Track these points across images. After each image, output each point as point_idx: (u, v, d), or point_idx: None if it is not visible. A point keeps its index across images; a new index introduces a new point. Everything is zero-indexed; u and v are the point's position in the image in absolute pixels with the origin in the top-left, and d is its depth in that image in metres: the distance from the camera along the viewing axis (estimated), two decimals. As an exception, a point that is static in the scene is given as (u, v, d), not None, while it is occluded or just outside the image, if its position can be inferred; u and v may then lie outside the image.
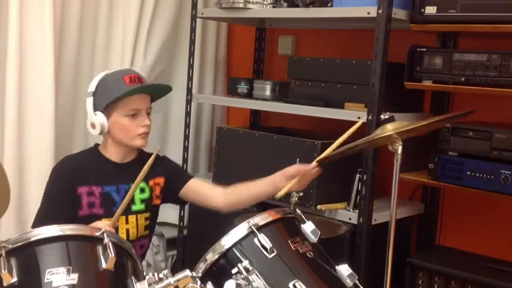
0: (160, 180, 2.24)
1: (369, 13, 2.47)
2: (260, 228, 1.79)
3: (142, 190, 2.19)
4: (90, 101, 2.09)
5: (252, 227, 1.79)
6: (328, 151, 2.11)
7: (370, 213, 2.51)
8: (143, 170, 1.91)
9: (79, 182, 2.09)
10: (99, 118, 2.07)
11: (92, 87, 2.10)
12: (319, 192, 2.57)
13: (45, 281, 1.53)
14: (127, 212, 2.13)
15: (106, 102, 2.06)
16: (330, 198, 2.61)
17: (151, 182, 2.21)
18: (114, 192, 2.13)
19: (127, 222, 2.15)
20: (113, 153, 2.16)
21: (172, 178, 2.27)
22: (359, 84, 2.57)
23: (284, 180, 2.11)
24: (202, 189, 2.30)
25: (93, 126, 2.09)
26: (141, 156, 2.21)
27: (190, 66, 3.14)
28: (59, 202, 2.08)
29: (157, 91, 2.23)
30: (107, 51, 3.09)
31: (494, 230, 2.70)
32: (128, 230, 2.14)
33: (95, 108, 2.08)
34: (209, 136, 3.52)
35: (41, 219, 2.04)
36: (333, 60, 2.71)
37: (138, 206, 2.17)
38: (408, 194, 2.88)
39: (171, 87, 2.27)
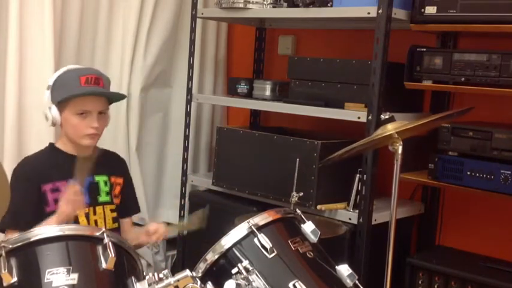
0: (120, 180, 2.31)
1: (369, 13, 2.47)
2: (260, 228, 1.80)
3: (105, 183, 2.24)
4: (47, 94, 2.16)
5: (252, 227, 1.79)
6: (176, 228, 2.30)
7: (370, 213, 2.51)
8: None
9: (42, 180, 2.12)
10: (52, 112, 2.13)
11: (50, 81, 2.17)
12: (319, 192, 2.57)
13: (45, 281, 1.53)
14: (94, 203, 2.19)
15: (57, 99, 2.13)
16: (330, 198, 2.61)
17: (112, 179, 2.27)
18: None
19: (94, 214, 2.19)
20: (70, 147, 2.20)
21: (127, 188, 2.35)
22: (359, 84, 2.57)
23: (147, 236, 2.21)
24: (127, 227, 2.36)
25: (46, 118, 2.16)
26: (97, 150, 2.29)
27: (190, 66, 3.14)
28: (26, 201, 2.09)
29: (111, 96, 2.26)
30: (107, 51, 3.09)
31: (494, 230, 2.70)
32: (96, 222, 2.17)
33: (51, 102, 2.15)
34: (209, 136, 3.52)
35: (10, 221, 2.03)
36: (333, 60, 2.71)
37: (103, 198, 2.22)
38: (408, 194, 2.88)
39: (125, 95, 2.31)
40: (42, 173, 2.13)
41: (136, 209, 2.41)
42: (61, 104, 2.13)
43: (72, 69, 2.20)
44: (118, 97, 2.27)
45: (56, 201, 2.10)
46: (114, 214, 2.24)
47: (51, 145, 2.25)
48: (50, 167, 2.16)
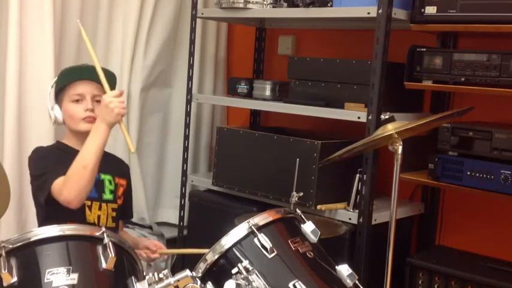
0: (124, 182, 2.32)
1: (369, 13, 2.47)
2: (260, 228, 1.79)
3: (110, 182, 2.26)
4: (50, 92, 2.22)
5: (252, 227, 1.79)
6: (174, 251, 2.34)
7: (370, 213, 2.51)
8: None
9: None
10: (55, 110, 2.19)
11: (53, 80, 2.25)
12: (319, 192, 2.57)
13: (45, 281, 1.53)
14: (99, 199, 2.21)
15: (55, 92, 2.21)
16: (330, 198, 2.61)
17: (116, 179, 2.29)
18: None
19: (100, 209, 2.20)
20: (76, 143, 2.22)
21: (128, 192, 2.37)
22: (359, 84, 2.57)
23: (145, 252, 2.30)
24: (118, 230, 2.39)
25: (49, 116, 2.22)
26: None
27: (190, 66, 3.14)
28: (56, 159, 2.12)
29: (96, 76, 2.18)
30: (107, 51, 3.09)
31: (494, 230, 2.70)
32: (99, 217, 2.19)
33: (53, 100, 2.22)
34: (209, 136, 3.52)
35: (53, 174, 2.02)
36: (333, 60, 2.71)
37: (107, 196, 2.24)
38: (408, 194, 2.88)
39: (114, 74, 2.28)
40: (55, 161, 2.15)
41: (130, 215, 2.45)
42: (59, 98, 2.20)
43: (71, 66, 2.29)
44: (109, 77, 2.19)
45: None
46: (114, 214, 2.25)
47: (58, 143, 2.29)
48: (62, 162, 2.16)
